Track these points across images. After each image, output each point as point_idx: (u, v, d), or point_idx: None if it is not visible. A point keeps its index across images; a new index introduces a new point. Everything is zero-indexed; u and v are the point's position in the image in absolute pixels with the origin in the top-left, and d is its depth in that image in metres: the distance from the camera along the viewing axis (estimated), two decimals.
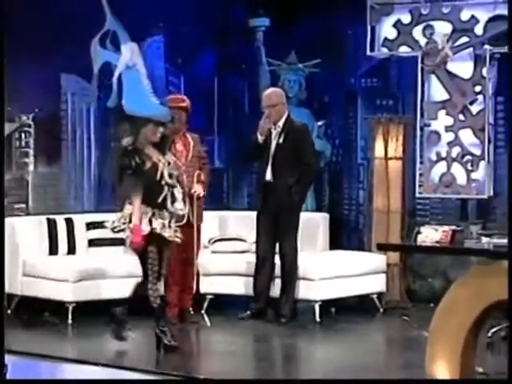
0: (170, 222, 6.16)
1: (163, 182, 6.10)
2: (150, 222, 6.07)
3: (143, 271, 6.21)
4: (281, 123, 7.34)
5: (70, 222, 7.81)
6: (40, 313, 7.35)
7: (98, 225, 7.87)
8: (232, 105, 9.23)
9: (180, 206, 6.20)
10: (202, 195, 7.25)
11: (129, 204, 6.10)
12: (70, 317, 7.18)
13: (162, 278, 6.30)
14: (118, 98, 6.43)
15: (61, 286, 7.24)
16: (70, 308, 7.19)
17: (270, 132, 7.32)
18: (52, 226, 7.73)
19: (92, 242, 7.87)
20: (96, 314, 7.28)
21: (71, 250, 7.78)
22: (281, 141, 7.29)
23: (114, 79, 6.25)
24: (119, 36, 6.80)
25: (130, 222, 6.05)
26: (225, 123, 9.24)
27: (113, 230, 6.19)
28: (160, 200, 6.10)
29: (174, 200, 6.16)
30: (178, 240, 6.25)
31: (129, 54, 6.34)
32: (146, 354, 6.42)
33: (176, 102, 7.21)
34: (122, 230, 6.12)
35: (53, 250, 7.71)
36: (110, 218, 7.99)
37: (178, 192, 6.20)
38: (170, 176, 6.14)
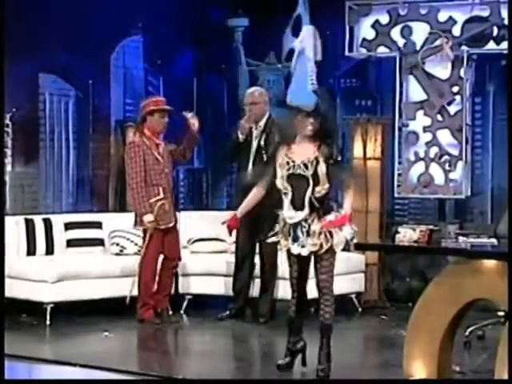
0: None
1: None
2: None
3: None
4: (262, 123, 7.34)
5: (48, 223, 7.78)
6: (18, 314, 7.32)
7: (77, 225, 7.92)
8: (211, 105, 9.23)
9: (347, 206, 5.53)
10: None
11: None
12: (48, 318, 7.15)
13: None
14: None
15: (39, 286, 7.21)
16: (48, 309, 7.16)
17: (251, 132, 7.32)
18: (30, 226, 7.70)
19: (70, 243, 7.85)
20: (74, 315, 7.31)
21: (49, 250, 7.75)
22: (262, 141, 7.29)
23: (293, 66, 5.72)
24: (302, 18, 6.35)
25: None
26: (204, 123, 9.21)
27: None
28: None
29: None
30: (323, 249, 5.43)
31: (304, 37, 5.79)
32: (125, 354, 6.42)
33: (162, 103, 7.27)
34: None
35: (31, 250, 7.69)
36: (88, 218, 8.06)
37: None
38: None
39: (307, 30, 5.75)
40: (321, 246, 5.42)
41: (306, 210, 5.42)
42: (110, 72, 8.71)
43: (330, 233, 5.42)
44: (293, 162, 5.45)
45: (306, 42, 5.69)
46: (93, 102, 8.57)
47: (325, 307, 5.52)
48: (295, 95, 5.60)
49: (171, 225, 7.21)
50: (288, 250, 5.53)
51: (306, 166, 5.44)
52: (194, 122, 7.33)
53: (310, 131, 5.47)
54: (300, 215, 5.43)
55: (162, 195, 7.18)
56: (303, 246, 5.44)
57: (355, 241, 5.51)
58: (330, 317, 5.53)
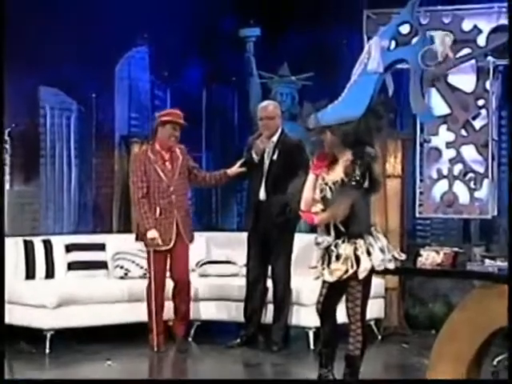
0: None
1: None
2: (369, 252, 5.45)
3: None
4: (275, 138, 7.37)
5: (48, 244, 7.82)
6: (15, 341, 7.32)
7: (79, 247, 7.93)
8: (221, 119, 9.25)
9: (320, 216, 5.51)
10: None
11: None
12: (47, 345, 7.16)
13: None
14: None
15: (38, 312, 7.23)
16: (48, 336, 7.17)
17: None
18: (29, 248, 7.74)
19: (72, 266, 7.87)
20: (76, 343, 7.31)
21: (49, 273, 7.78)
22: (275, 157, 7.32)
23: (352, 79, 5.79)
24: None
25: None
26: (213, 139, 9.25)
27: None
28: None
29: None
30: (347, 274, 5.44)
31: (367, 49, 5.85)
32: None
33: (177, 117, 7.30)
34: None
35: (30, 273, 7.71)
36: (91, 239, 8.06)
37: None
38: None
39: (369, 42, 5.81)
40: (346, 271, 5.44)
41: (332, 235, 5.48)
42: (114, 85, 8.70)
43: (357, 258, 5.43)
44: (325, 184, 5.51)
45: (367, 55, 5.72)
46: (96, 116, 8.57)
47: (349, 337, 5.54)
48: (336, 111, 5.59)
49: (168, 247, 7.20)
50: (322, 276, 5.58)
51: (331, 188, 5.50)
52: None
53: (325, 147, 5.53)
54: (327, 240, 5.49)
55: (157, 215, 7.20)
56: (332, 272, 5.50)
57: (391, 266, 5.48)
58: (355, 348, 5.52)
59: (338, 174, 5.48)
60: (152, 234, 7.13)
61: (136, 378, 6.61)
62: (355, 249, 5.43)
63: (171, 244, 7.20)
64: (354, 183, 5.39)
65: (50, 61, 8.01)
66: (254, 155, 7.32)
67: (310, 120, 5.57)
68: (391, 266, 5.47)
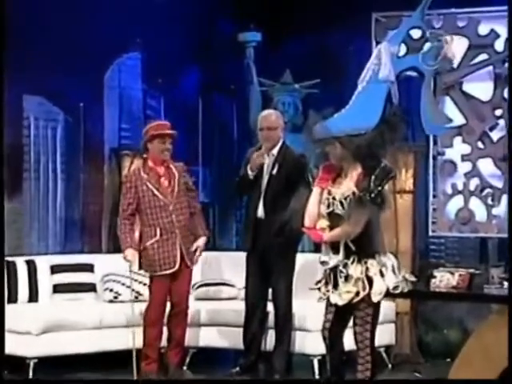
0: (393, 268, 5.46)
1: None
2: (382, 273, 5.41)
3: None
4: (275, 151, 7.28)
5: (31, 265, 7.75)
6: None
7: (65, 268, 7.92)
8: (218, 131, 9.26)
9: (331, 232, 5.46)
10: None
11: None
12: (30, 374, 7.10)
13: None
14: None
15: (21, 339, 7.16)
16: (32, 364, 7.12)
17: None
18: (11, 269, 7.64)
19: (57, 288, 7.80)
20: (61, 372, 7.21)
21: (33, 297, 7.72)
22: (274, 172, 7.23)
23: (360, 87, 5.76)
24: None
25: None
26: (210, 152, 9.25)
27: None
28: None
29: None
30: (359, 297, 5.39)
31: (376, 55, 5.82)
32: None
33: (164, 128, 7.20)
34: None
35: (12, 297, 7.61)
36: (78, 260, 7.99)
37: None
38: None
39: (378, 47, 5.78)
40: (357, 294, 5.36)
41: (341, 254, 5.38)
42: (103, 93, 8.71)
43: (370, 280, 5.30)
44: (333, 198, 5.43)
45: (376, 61, 5.70)
46: (84, 127, 8.56)
47: (358, 365, 5.46)
48: (348, 120, 5.54)
49: (173, 270, 7.10)
50: (328, 299, 5.50)
51: (342, 203, 5.40)
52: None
53: (332, 159, 5.46)
54: (335, 259, 5.38)
55: (157, 237, 7.10)
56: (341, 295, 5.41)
57: (406, 289, 5.41)
58: (364, 377, 5.43)
59: (348, 187, 5.40)
60: (128, 252, 7.04)
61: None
62: (367, 269, 5.36)
63: (176, 267, 7.11)
64: (370, 198, 5.30)
65: (34, 67, 8.00)
66: (249, 171, 7.22)
67: (316, 130, 5.48)
68: (406, 288, 5.38)
